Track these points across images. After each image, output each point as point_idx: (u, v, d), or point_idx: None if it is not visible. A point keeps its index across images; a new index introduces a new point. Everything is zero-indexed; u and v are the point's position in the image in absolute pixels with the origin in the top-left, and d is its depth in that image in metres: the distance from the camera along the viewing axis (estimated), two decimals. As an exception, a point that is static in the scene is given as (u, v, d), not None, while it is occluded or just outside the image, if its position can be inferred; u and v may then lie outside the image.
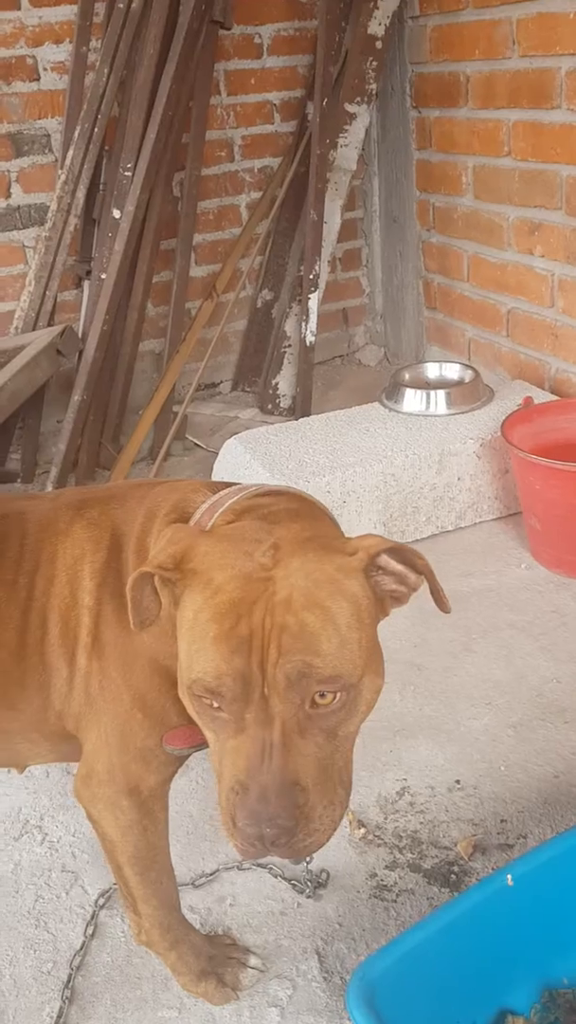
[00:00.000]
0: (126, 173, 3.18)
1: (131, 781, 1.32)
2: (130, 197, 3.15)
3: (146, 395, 3.66)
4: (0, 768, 1.45)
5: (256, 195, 3.90)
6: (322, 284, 3.55)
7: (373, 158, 4.06)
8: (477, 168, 3.36)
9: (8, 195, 3.43)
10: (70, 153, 3.28)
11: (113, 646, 1.28)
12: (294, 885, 1.77)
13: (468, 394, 3.00)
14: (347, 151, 3.65)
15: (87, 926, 1.71)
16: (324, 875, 1.79)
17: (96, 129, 3.27)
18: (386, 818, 1.91)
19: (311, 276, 3.46)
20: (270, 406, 3.78)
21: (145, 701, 1.29)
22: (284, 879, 1.78)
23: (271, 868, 1.80)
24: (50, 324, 3.34)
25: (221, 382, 4.09)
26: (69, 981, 1.62)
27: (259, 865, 1.81)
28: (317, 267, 3.46)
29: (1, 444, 3.37)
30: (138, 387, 3.68)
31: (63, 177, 3.27)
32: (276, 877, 1.78)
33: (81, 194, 3.28)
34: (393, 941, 1.41)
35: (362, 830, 1.87)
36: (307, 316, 3.47)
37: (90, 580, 1.28)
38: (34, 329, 3.32)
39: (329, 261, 3.68)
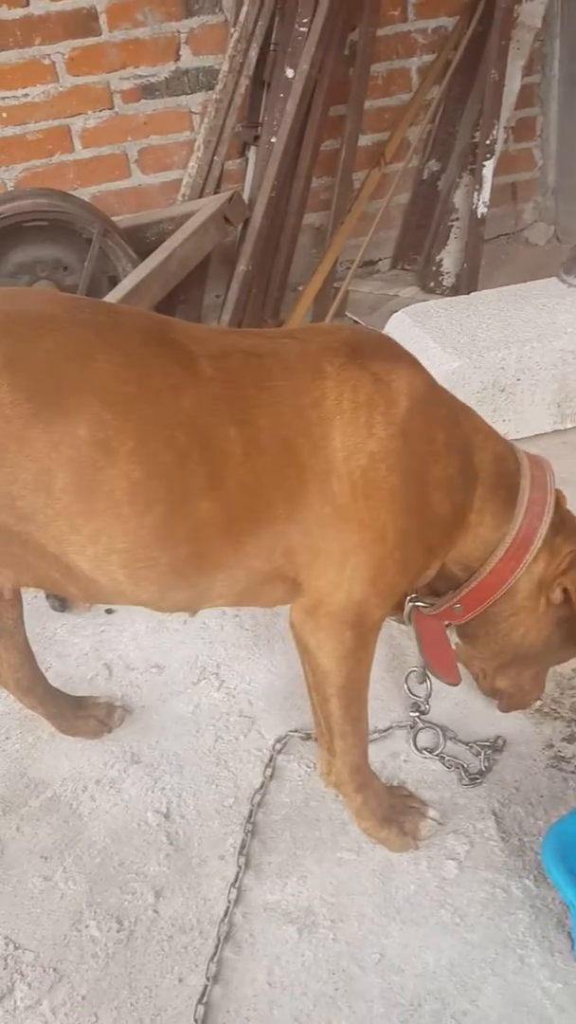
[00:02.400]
0: (301, 29, 3.03)
1: (361, 614, 1.35)
2: (304, 55, 3.01)
3: (305, 271, 3.58)
4: (175, 612, 1.47)
5: (428, 58, 3.68)
6: (498, 151, 3.35)
7: (556, 17, 3.74)
8: None
9: (177, 58, 3.33)
10: (243, 10, 3.14)
11: (391, 493, 1.32)
12: (470, 747, 1.77)
13: None
14: (532, 6, 3.38)
15: (266, 767, 1.77)
16: (500, 741, 1.78)
17: (270, -16, 3.12)
18: (562, 693, 1.88)
19: (487, 142, 3.27)
20: (432, 284, 3.64)
21: (408, 544, 1.35)
22: (460, 742, 1.79)
23: (447, 731, 1.81)
24: (217, 192, 3.28)
25: (380, 259, 3.96)
26: (251, 816, 1.68)
27: (432, 726, 1.81)
28: (495, 132, 3.26)
29: (164, 316, 3.37)
30: (297, 262, 3.60)
31: (236, 35, 3.16)
32: (451, 740, 1.80)
33: (254, 54, 3.16)
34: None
35: (537, 701, 1.84)
36: (480, 185, 3.29)
37: (383, 429, 1.31)
38: (200, 196, 3.27)
39: (506, 127, 3.46)
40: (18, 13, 3.11)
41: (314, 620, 1.37)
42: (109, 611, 2.16)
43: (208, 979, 1.43)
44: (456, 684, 1.66)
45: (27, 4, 3.11)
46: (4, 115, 3.22)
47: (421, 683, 1.78)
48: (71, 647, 2.08)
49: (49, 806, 1.73)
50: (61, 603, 2.17)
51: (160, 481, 1.27)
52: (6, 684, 1.74)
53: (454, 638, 1.65)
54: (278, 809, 1.71)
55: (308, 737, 1.82)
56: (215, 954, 1.46)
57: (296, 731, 1.83)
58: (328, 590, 1.35)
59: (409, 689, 1.85)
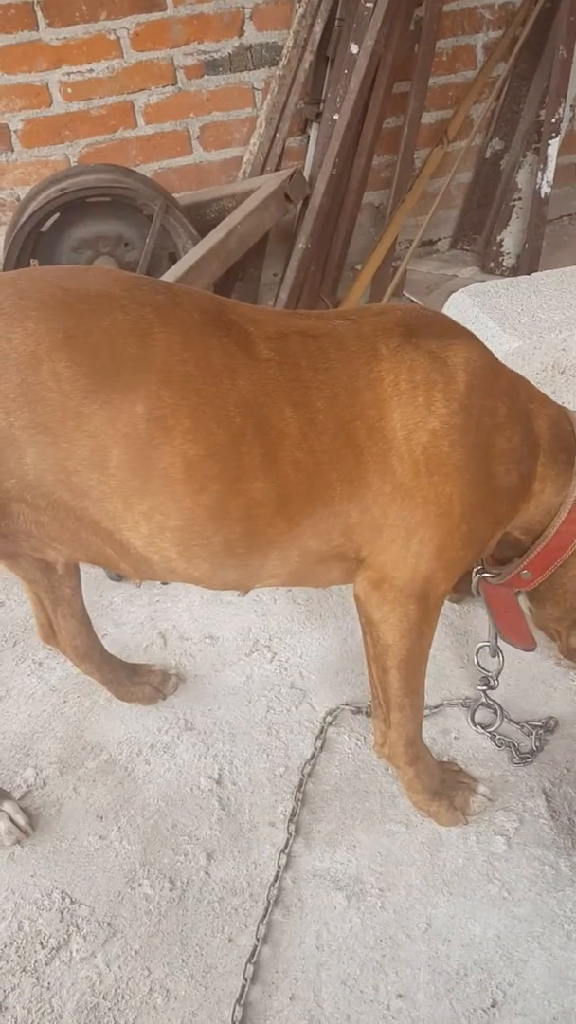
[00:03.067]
0: (367, 4, 3.01)
1: (426, 587, 1.37)
2: (369, 31, 2.99)
3: (363, 250, 3.57)
4: (226, 590, 1.47)
5: (495, 34, 3.63)
6: (563, 130, 3.30)
7: (627, -8, 3.67)
8: None
9: (241, 33, 3.33)
10: (308, -15, 3.14)
11: (456, 468, 1.33)
12: (521, 727, 1.78)
13: None
14: (604, -20, 3.31)
15: (316, 739, 1.79)
16: (552, 722, 1.78)
17: (336, -42, 3.10)
18: (616, 676, 1.87)
19: (553, 120, 3.22)
20: (492, 264, 3.61)
21: (475, 517, 1.36)
22: (512, 722, 1.79)
23: (498, 708, 1.81)
24: (278, 169, 3.28)
25: (439, 239, 3.93)
26: (301, 785, 1.71)
27: (485, 704, 1.82)
28: (561, 110, 3.21)
29: (223, 295, 3.39)
30: (356, 241, 3.59)
31: (300, 11, 3.15)
32: (505, 719, 1.80)
33: (318, 29, 3.15)
34: None
35: None
36: (544, 164, 3.25)
37: (444, 406, 1.32)
38: (261, 174, 3.27)
39: (572, 105, 3.40)
40: (85, -12, 3.13)
41: (379, 593, 1.38)
42: (164, 582, 2.19)
43: (258, 940, 1.46)
44: (532, 649, 1.66)
45: (95, -21, 3.13)
46: (69, 90, 3.25)
47: (494, 656, 1.77)
48: (127, 616, 2.12)
49: (105, 768, 1.77)
50: (117, 573, 2.21)
51: (215, 460, 1.28)
52: (64, 650, 1.78)
53: (525, 604, 1.66)
54: (328, 780, 1.73)
55: (359, 711, 1.84)
56: (265, 916, 1.49)
57: (347, 704, 1.85)
58: (393, 564, 1.36)
59: (479, 663, 1.83)
